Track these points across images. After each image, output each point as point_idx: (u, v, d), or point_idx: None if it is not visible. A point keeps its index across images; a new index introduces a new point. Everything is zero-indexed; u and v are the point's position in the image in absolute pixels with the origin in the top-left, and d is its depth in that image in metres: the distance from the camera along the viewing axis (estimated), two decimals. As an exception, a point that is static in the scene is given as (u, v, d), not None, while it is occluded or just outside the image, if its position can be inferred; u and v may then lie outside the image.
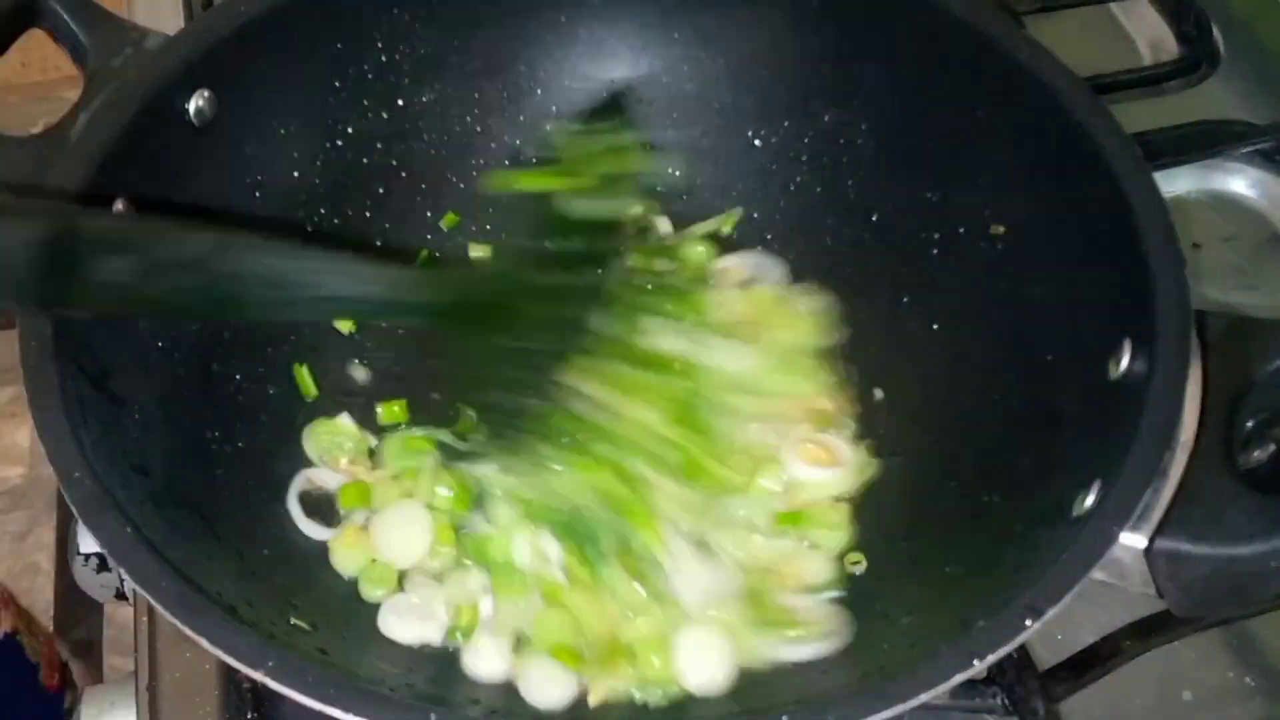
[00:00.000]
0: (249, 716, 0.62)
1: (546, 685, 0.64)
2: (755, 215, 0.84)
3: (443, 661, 0.66)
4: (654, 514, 0.69)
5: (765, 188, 0.84)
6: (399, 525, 0.69)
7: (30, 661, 1.14)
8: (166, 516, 0.59)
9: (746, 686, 0.65)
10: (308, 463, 0.73)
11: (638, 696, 0.63)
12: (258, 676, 0.50)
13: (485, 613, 0.67)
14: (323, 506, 0.71)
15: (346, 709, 0.49)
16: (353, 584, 0.68)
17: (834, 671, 0.64)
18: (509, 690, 0.65)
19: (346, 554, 0.69)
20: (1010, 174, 0.73)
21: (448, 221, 0.83)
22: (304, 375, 0.75)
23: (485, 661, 0.65)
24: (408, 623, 0.66)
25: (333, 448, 0.73)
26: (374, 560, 0.68)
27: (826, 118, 0.81)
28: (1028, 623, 0.52)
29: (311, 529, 0.69)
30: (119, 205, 0.64)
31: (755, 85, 0.83)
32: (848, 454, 0.74)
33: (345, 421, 0.74)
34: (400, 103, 0.81)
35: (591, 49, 0.83)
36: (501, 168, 0.83)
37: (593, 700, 0.64)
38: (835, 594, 0.69)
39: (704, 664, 0.64)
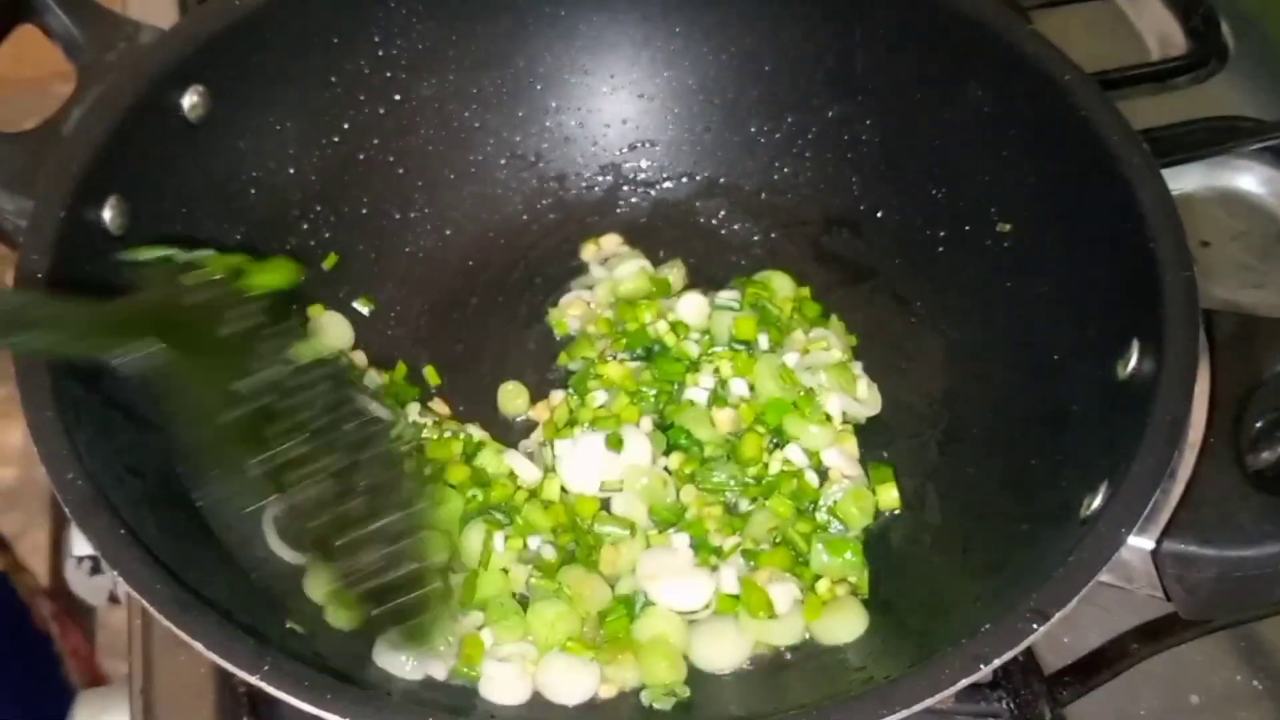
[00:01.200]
0: (244, 720, 0.62)
1: (567, 681, 0.63)
2: (758, 212, 0.84)
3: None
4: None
5: (768, 184, 0.83)
6: None
7: (23, 602, 1.14)
8: (161, 518, 0.59)
9: (751, 687, 0.64)
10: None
11: (645, 699, 0.63)
12: (253, 680, 0.50)
13: (488, 642, 0.65)
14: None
15: (343, 713, 0.49)
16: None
17: (838, 675, 0.63)
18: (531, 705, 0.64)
19: (319, 580, 0.65)
20: (1016, 171, 0.72)
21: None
22: None
23: (503, 689, 0.63)
24: (404, 659, 0.62)
25: None
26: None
27: (830, 113, 0.81)
28: (1034, 626, 0.52)
29: (285, 552, 0.66)
30: (111, 201, 0.63)
31: (758, 79, 0.82)
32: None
33: None
34: (397, 97, 0.80)
35: (591, 43, 0.83)
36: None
37: (604, 693, 0.63)
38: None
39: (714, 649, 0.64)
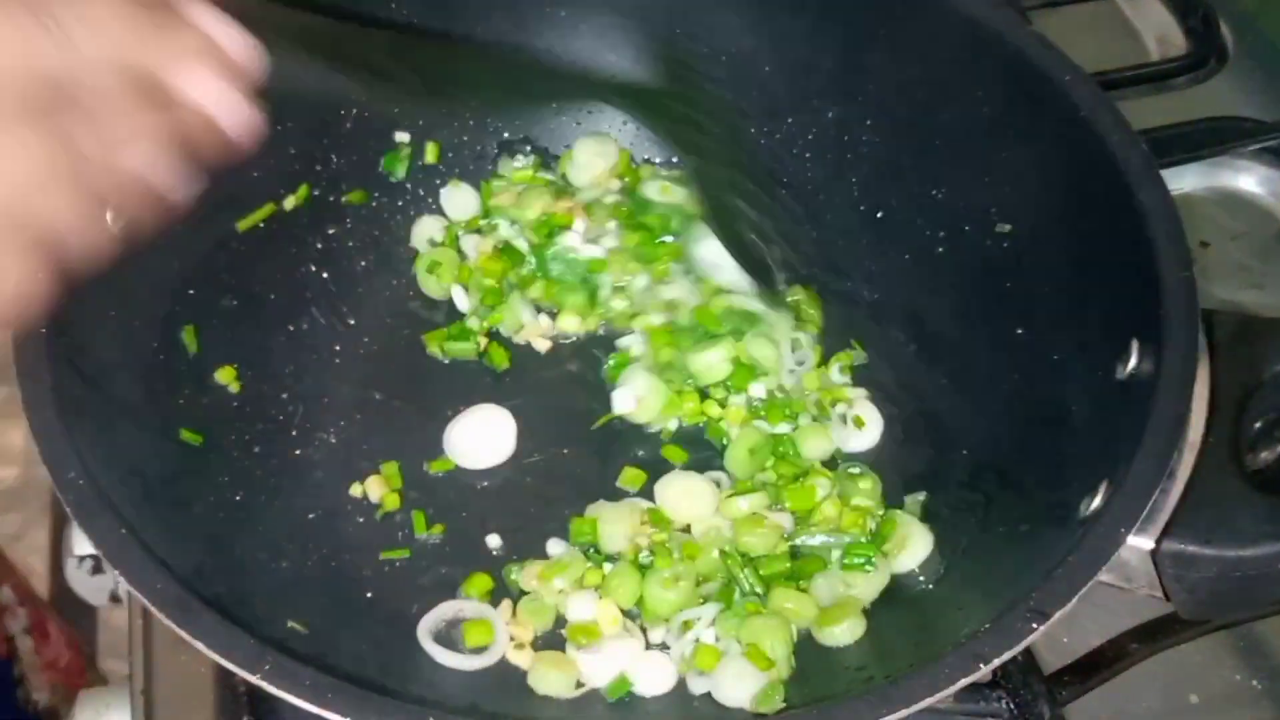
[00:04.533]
0: (245, 720, 0.62)
1: (740, 683, 0.63)
2: (756, 214, 0.84)
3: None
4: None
5: (767, 187, 0.83)
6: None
7: None
8: (162, 518, 0.59)
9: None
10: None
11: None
12: (254, 680, 0.50)
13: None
14: (452, 637, 0.67)
15: (344, 712, 0.49)
16: (352, 585, 0.67)
17: (837, 673, 0.63)
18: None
19: (553, 679, 0.64)
20: (1016, 171, 0.72)
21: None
22: None
23: (654, 681, 0.65)
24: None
25: None
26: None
27: (830, 114, 0.81)
28: (1033, 625, 0.52)
29: (463, 662, 0.65)
30: None
31: (758, 81, 0.82)
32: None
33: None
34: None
35: (592, 43, 0.83)
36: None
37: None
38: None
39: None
